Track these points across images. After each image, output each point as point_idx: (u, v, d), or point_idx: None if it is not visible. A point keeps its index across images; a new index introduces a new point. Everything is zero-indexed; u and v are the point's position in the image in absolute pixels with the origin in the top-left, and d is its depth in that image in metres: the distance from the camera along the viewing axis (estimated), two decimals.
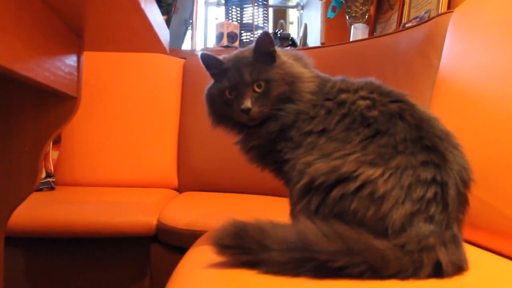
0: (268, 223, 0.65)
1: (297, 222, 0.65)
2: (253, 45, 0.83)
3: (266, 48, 0.82)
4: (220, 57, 0.86)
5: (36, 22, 0.65)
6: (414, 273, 0.60)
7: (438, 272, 0.61)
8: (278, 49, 0.84)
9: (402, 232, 0.63)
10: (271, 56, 0.82)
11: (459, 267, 0.64)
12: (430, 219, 0.63)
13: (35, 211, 1.35)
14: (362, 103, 0.74)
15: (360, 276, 0.59)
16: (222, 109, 0.85)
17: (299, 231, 0.62)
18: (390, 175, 0.65)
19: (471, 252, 0.68)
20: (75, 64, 0.85)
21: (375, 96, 0.75)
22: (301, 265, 0.60)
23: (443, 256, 0.61)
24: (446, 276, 0.62)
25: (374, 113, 0.72)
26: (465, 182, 0.68)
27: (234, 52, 0.88)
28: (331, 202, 0.66)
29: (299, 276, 0.60)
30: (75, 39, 0.86)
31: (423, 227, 0.63)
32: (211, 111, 0.90)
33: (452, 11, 1.31)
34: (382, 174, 0.65)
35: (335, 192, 0.66)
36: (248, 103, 0.78)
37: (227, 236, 0.63)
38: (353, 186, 0.65)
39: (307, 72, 0.84)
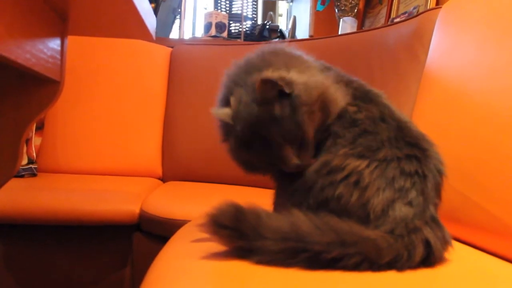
0: (262, 210, 0.64)
1: (289, 214, 0.65)
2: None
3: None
4: None
5: (17, 2, 0.63)
6: (409, 257, 0.61)
7: (429, 250, 0.63)
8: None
9: (384, 216, 0.64)
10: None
11: (446, 242, 0.66)
12: (409, 203, 0.65)
13: (16, 198, 1.33)
14: (351, 109, 0.75)
15: (356, 267, 0.59)
16: None
17: (291, 222, 0.62)
18: (376, 167, 0.66)
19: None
20: (59, 48, 0.84)
21: (358, 102, 0.76)
22: (294, 255, 0.59)
23: (430, 234, 0.63)
24: (437, 253, 0.64)
25: (361, 116, 0.73)
26: (441, 176, 0.70)
27: None
28: (318, 190, 0.67)
29: (292, 267, 0.59)
30: (59, 22, 0.84)
31: (404, 211, 0.64)
32: None
33: (440, 7, 1.32)
34: (368, 165, 0.66)
35: (322, 180, 0.67)
36: None
37: (227, 216, 0.62)
38: (340, 175, 0.66)
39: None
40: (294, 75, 0.71)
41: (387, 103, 0.77)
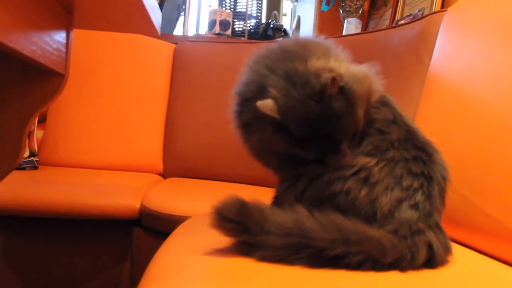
0: (266, 206, 0.65)
1: (293, 210, 0.65)
2: None
3: None
4: None
5: None
6: (412, 258, 0.62)
7: (431, 254, 0.63)
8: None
9: (390, 216, 0.64)
10: None
11: (447, 248, 0.67)
12: (415, 206, 0.66)
13: (17, 190, 1.34)
14: (372, 110, 0.75)
15: (359, 266, 0.59)
16: None
17: (295, 218, 0.62)
18: (384, 165, 0.67)
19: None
20: (64, 41, 0.84)
21: (377, 104, 0.76)
22: (297, 251, 0.59)
23: (433, 238, 0.64)
24: (439, 257, 0.64)
25: (379, 116, 0.74)
26: (444, 181, 0.71)
27: None
28: (324, 183, 0.68)
29: (294, 263, 0.59)
30: (64, 14, 0.84)
31: (409, 213, 0.65)
32: None
33: (445, 10, 1.31)
34: (377, 163, 0.67)
35: (330, 174, 0.67)
36: None
37: (232, 210, 0.61)
38: (350, 171, 0.67)
39: None
40: (336, 65, 0.70)
41: (398, 109, 0.77)
